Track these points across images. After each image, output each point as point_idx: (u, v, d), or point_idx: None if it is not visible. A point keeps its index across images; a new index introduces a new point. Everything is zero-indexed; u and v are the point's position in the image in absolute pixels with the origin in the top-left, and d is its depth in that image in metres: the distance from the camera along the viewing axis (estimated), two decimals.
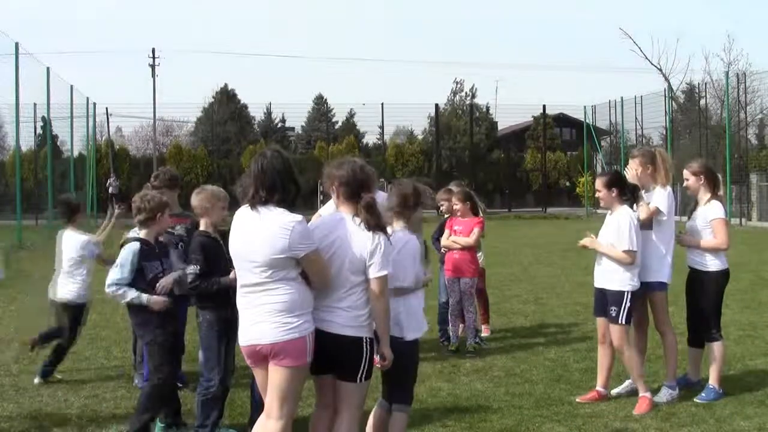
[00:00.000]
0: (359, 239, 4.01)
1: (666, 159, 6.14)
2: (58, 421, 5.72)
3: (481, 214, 7.99)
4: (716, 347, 6.17)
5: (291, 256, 3.84)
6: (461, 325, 7.93)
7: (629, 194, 5.88)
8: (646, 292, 6.00)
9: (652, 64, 40.95)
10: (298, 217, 3.88)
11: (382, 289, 4.05)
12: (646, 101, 34.49)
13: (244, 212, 4.00)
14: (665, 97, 33.41)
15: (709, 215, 6.11)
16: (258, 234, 3.87)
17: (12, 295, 11.90)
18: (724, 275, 6.21)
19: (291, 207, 3.92)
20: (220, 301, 5.10)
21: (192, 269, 5.05)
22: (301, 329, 3.88)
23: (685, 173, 6.29)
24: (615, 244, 5.79)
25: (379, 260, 4.01)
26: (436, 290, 8.50)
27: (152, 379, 5.20)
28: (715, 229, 6.08)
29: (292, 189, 3.94)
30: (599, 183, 5.95)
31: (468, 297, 7.75)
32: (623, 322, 5.81)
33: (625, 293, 5.80)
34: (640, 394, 5.85)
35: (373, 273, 4.01)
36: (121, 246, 5.34)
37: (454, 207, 7.89)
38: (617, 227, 5.78)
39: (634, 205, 5.94)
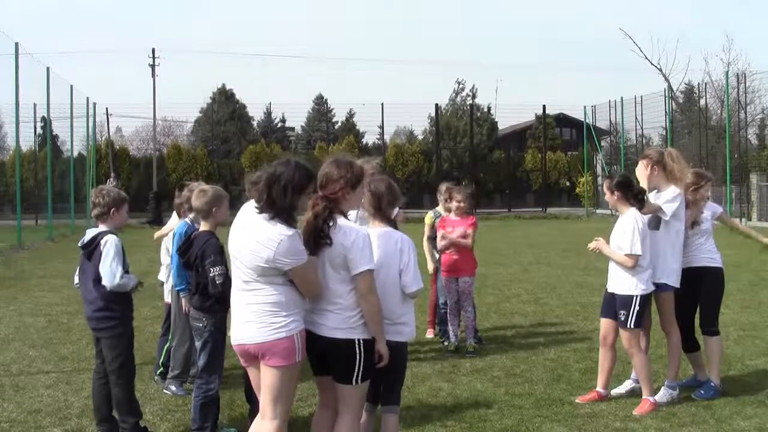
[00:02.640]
0: (334, 237, 3.96)
1: (677, 159, 6.12)
2: (58, 421, 5.72)
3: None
4: (715, 341, 6.20)
5: (275, 267, 3.81)
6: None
7: (632, 197, 5.87)
8: (652, 292, 5.99)
9: (652, 64, 41.11)
10: (289, 231, 3.80)
11: (368, 285, 3.98)
12: (646, 101, 34.49)
13: (245, 212, 3.98)
14: (665, 97, 33.41)
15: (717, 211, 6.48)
16: (249, 238, 3.86)
17: (12, 295, 11.91)
18: (723, 273, 6.34)
19: (282, 218, 3.82)
20: (223, 305, 5.12)
21: (219, 270, 5.02)
22: (288, 328, 3.86)
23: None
24: (621, 247, 5.80)
25: (357, 256, 3.94)
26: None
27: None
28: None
29: (278, 203, 3.81)
30: (605, 186, 6.04)
31: (466, 296, 7.76)
32: (632, 326, 5.80)
33: (634, 297, 5.79)
34: (644, 396, 5.84)
35: (355, 269, 3.95)
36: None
37: (461, 205, 7.83)
38: (623, 231, 5.80)
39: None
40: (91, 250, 5.15)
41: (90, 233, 5.22)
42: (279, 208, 3.84)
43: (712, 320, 6.23)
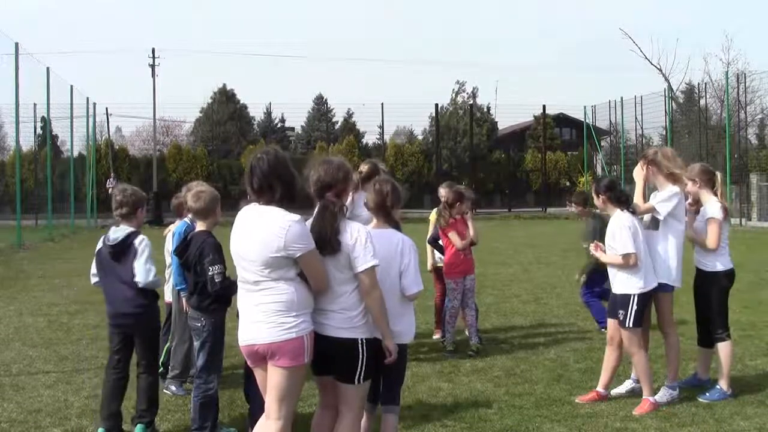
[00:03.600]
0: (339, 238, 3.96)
1: (670, 158, 6.10)
2: (58, 421, 5.72)
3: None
4: (724, 347, 6.16)
5: (287, 256, 3.82)
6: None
7: (616, 199, 5.88)
8: (651, 291, 5.97)
9: (652, 64, 41.04)
10: (296, 216, 3.85)
11: (372, 281, 3.98)
12: (646, 101, 34.54)
13: (244, 211, 4.00)
14: (665, 97, 33.44)
15: (707, 213, 6.15)
16: (255, 233, 3.87)
17: (12, 295, 11.91)
18: (727, 276, 6.22)
19: (284, 206, 3.88)
20: (222, 304, 5.13)
21: (218, 269, 5.04)
22: (298, 329, 3.86)
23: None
24: (615, 249, 5.81)
25: (361, 253, 3.95)
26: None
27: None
28: (708, 228, 6.12)
29: (278, 189, 3.87)
30: (592, 189, 6.14)
31: (472, 294, 7.78)
32: (630, 326, 5.80)
33: (631, 296, 5.79)
34: (644, 396, 5.84)
35: (359, 266, 3.96)
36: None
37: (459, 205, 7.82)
38: (612, 233, 5.84)
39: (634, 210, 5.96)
40: (122, 249, 5.24)
41: (119, 233, 5.29)
42: (268, 197, 3.87)
43: (716, 327, 6.20)
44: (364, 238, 3.98)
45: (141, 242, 5.26)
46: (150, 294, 5.33)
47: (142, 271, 5.20)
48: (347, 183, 4.13)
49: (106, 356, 7.53)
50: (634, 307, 5.79)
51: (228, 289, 4.99)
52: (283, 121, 47.52)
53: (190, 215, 6.18)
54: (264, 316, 3.87)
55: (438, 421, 5.59)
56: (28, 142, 33.58)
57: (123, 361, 5.38)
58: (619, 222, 5.80)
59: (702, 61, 77.73)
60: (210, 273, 5.04)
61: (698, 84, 38.34)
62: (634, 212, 5.90)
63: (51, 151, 27.17)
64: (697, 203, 6.29)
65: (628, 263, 5.75)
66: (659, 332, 6.32)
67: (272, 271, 3.84)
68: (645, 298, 5.86)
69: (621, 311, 5.83)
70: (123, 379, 5.37)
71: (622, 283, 5.86)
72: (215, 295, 5.10)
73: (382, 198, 4.43)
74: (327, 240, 3.95)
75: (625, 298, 5.82)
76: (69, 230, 25.57)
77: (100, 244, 5.42)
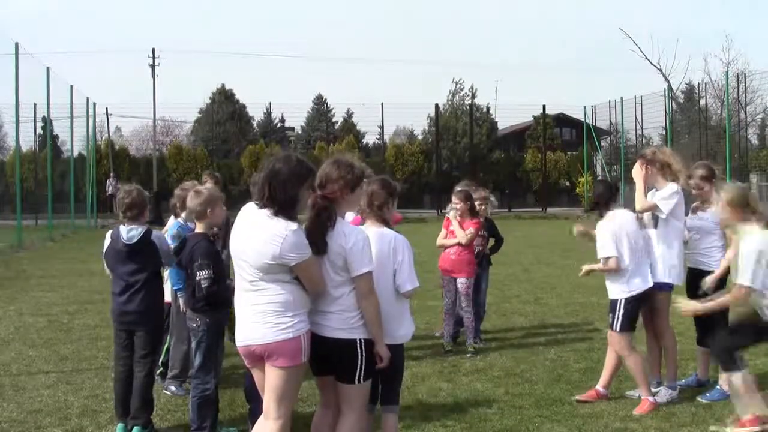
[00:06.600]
0: (334, 239, 3.96)
1: (668, 156, 6.13)
2: (58, 421, 5.72)
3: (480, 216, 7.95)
4: None
5: (282, 264, 3.81)
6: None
7: (595, 205, 5.98)
8: (640, 294, 5.97)
9: (652, 64, 40.97)
10: (293, 225, 3.82)
11: (368, 286, 3.99)
12: (646, 101, 34.49)
13: (246, 211, 3.98)
14: (665, 97, 33.40)
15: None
16: (252, 238, 3.86)
17: (12, 295, 11.91)
18: (727, 275, 6.24)
19: (285, 214, 3.83)
20: (219, 305, 5.13)
21: (206, 274, 5.02)
22: (295, 329, 3.86)
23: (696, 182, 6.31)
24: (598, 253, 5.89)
25: (357, 257, 3.94)
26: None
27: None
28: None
29: (279, 198, 3.82)
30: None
31: (464, 297, 7.75)
32: (617, 330, 5.84)
33: (618, 301, 5.83)
34: (643, 396, 5.85)
35: (355, 271, 3.95)
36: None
37: (456, 206, 7.83)
38: (598, 237, 5.91)
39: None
40: (141, 247, 5.30)
41: (133, 232, 5.34)
42: (280, 204, 3.84)
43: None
44: (362, 243, 3.97)
45: (156, 236, 5.44)
46: (157, 294, 5.40)
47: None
48: (337, 184, 4.06)
49: (106, 356, 7.59)
50: (621, 312, 5.82)
51: (215, 295, 5.00)
52: (282, 121, 47.50)
53: (183, 215, 6.23)
54: (261, 317, 3.87)
55: (438, 421, 5.59)
56: (28, 142, 33.61)
57: (130, 357, 5.41)
58: (603, 225, 5.87)
59: (702, 61, 77.71)
60: (198, 278, 5.04)
61: (698, 84, 38.40)
62: (635, 212, 5.92)
63: (51, 151, 27.15)
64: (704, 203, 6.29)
65: (611, 266, 5.77)
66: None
67: (267, 273, 3.85)
68: (633, 302, 5.86)
69: (610, 315, 5.92)
70: (132, 375, 5.39)
71: (609, 289, 5.92)
72: (205, 299, 5.09)
73: (367, 198, 4.41)
74: (313, 240, 3.93)
75: (613, 303, 5.90)
76: (69, 230, 25.57)
77: (107, 244, 5.43)
